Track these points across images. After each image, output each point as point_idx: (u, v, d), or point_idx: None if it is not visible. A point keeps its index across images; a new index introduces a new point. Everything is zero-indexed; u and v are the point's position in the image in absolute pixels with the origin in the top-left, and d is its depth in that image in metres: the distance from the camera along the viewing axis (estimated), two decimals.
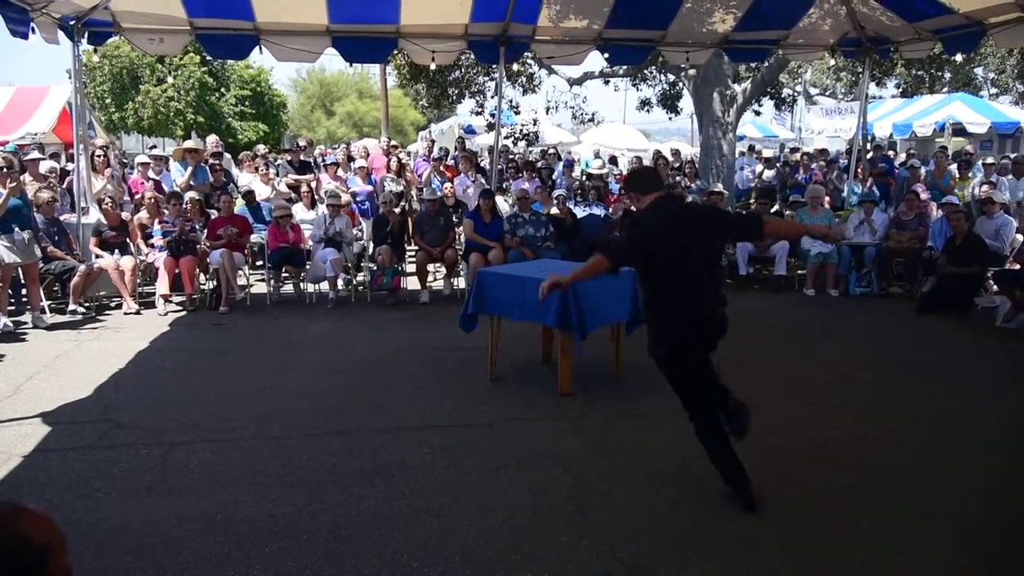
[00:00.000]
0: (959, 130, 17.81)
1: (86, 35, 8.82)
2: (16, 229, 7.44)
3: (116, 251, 8.43)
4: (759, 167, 15.29)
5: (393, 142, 16.31)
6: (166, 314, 8.15)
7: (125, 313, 8.13)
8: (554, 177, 12.89)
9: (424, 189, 11.42)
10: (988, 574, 3.28)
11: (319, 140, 33.87)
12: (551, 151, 15.26)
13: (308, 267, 8.92)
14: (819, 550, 3.38)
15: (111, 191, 9.24)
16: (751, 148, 18.23)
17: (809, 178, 13.06)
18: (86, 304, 8.20)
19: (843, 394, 5.61)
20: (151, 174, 10.38)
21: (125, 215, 9.01)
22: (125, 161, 13.94)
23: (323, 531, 3.52)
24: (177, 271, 8.32)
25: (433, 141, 17.58)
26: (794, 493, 3.93)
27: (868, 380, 5.98)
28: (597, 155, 19.88)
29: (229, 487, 3.98)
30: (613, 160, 19.34)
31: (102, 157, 9.61)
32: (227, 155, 13.02)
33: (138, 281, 8.60)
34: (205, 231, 8.83)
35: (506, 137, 16.26)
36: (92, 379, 5.81)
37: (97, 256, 8.34)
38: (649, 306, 3.85)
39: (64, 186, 9.72)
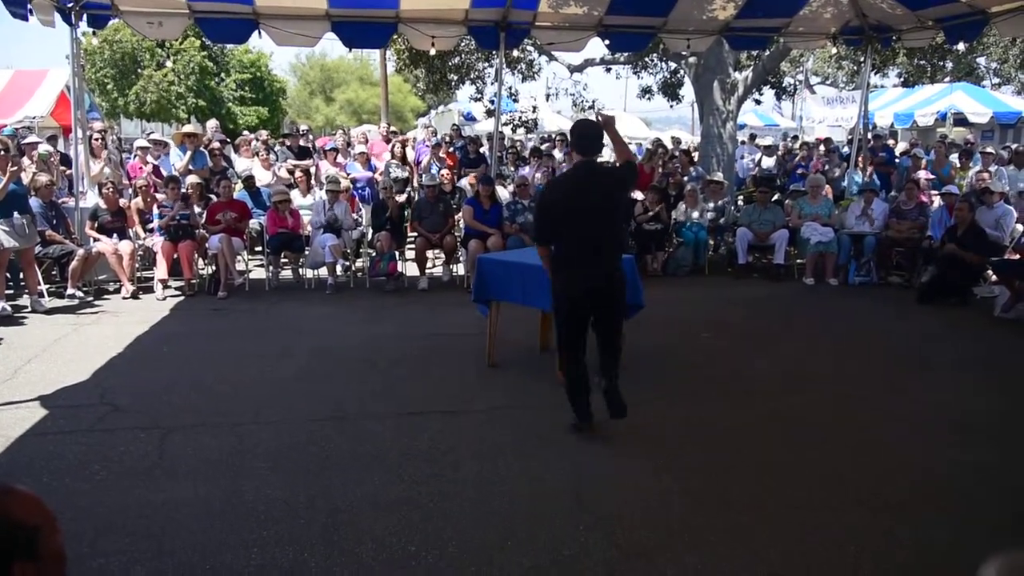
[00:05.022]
0: (960, 120, 17.76)
1: (84, 17, 8.75)
2: (16, 214, 7.42)
3: (114, 235, 8.40)
4: (759, 155, 15.23)
5: (393, 128, 16.26)
6: (164, 299, 8.13)
7: (123, 298, 8.11)
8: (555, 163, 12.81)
9: (423, 175, 11.37)
10: (978, 561, 3.28)
11: (318, 127, 33.75)
12: (558, 138, 15.15)
13: (307, 253, 8.90)
14: (813, 537, 3.38)
15: (111, 175, 9.21)
16: (752, 137, 18.15)
17: (806, 166, 12.99)
18: (84, 288, 8.18)
19: (840, 382, 5.61)
20: (150, 159, 10.34)
21: (123, 201, 8.97)
22: (126, 147, 13.89)
23: (320, 516, 3.51)
24: (176, 256, 8.30)
25: (435, 131, 17.51)
26: (789, 481, 3.93)
27: (865, 369, 5.98)
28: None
29: (227, 471, 3.98)
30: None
31: (99, 141, 9.56)
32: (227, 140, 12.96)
33: (136, 266, 8.58)
34: (204, 216, 8.80)
35: (505, 124, 16.19)
36: (90, 363, 5.80)
37: (95, 240, 8.32)
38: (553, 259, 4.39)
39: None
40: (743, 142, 17.10)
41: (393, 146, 11.80)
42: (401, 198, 9.43)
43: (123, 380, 5.47)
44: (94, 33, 10.22)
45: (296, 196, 9.67)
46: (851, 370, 5.94)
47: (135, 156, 10.77)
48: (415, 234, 9.28)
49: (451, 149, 12.63)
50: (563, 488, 3.83)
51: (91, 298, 8.11)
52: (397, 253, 8.95)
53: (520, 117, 17.73)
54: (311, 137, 14.34)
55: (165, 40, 21.19)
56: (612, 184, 4.42)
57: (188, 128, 11.09)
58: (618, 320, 4.50)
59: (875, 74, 19.35)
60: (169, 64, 23.65)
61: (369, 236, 9.33)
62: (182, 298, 8.24)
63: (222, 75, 26.16)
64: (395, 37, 11.30)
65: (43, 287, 7.83)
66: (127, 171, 10.34)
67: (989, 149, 12.87)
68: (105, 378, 5.51)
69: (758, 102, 20.58)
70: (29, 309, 7.52)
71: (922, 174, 11.59)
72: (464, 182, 11.04)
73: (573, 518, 3.52)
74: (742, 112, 15.34)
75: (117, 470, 3.99)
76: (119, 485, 3.81)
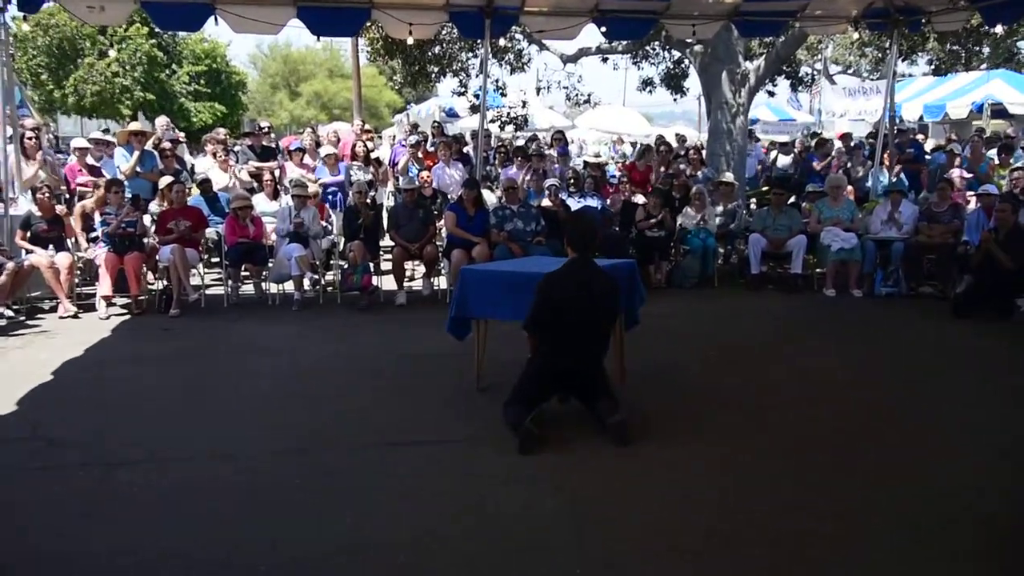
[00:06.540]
0: (999, 111, 17.84)
1: (13, 0, 8.70)
2: None
3: (50, 246, 8.33)
4: (774, 153, 15.29)
5: (367, 126, 16.24)
6: (108, 318, 8.07)
7: (61, 317, 8.05)
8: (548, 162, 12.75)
9: (401, 178, 11.34)
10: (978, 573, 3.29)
11: (281, 124, 33.74)
12: (556, 135, 15.14)
13: (270, 265, 8.87)
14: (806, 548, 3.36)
15: (46, 179, 9.14)
16: (750, 133, 18.03)
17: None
18: (15, 307, 8.11)
19: (862, 404, 5.57)
20: (90, 160, 10.28)
21: (60, 208, 8.90)
22: (62, 149, 13.81)
23: (285, 563, 3.45)
24: (121, 269, 8.24)
25: (416, 125, 17.49)
26: (797, 504, 3.91)
27: (892, 388, 5.98)
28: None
29: (177, 512, 3.91)
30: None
31: (33, 140, 9.49)
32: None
33: (76, 281, 8.51)
34: (154, 224, 8.75)
35: (491, 120, 16.21)
36: (20, 392, 5.72)
37: (27, 252, 8.25)
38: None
39: None
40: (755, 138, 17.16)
41: (354, 145, 11.69)
42: None
43: (59, 411, 5.40)
44: (25, 18, 10.18)
45: (262, 201, 9.64)
46: (875, 390, 5.93)
47: (73, 157, 10.71)
48: (392, 244, 9.26)
49: (430, 148, 12.61)
50: (558, 521, 3.80)
51: (23, 317, 8.04)
52: (372, 265, 8.93)
53: (508, 113, 17.75)
54: (273, 136, 14.31)
55: (108, 26, 21.10)
56: (603, 289, 4.95)
57: (135, 126, 11.05)
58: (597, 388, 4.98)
59: (902, 62, 19.54)
60: (113, 53, 23.50)
61: (340, 246, 9.29)
62: (128, 317, 8.19)
63: (173, 66, 26.10)
64: (368, 24, 11.32)
65: None
66: (64, 174, 10.27)
67: None
68: (38, 409, 5.43)
69: (771, 94, 20.73)
70: None
71: (956, 172, 11.67)
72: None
73: (570, 554, 3.48)
74: (754, 106, 15.43)
75: (51, 513, 3.92)
76: (53, 531, 3.74)
